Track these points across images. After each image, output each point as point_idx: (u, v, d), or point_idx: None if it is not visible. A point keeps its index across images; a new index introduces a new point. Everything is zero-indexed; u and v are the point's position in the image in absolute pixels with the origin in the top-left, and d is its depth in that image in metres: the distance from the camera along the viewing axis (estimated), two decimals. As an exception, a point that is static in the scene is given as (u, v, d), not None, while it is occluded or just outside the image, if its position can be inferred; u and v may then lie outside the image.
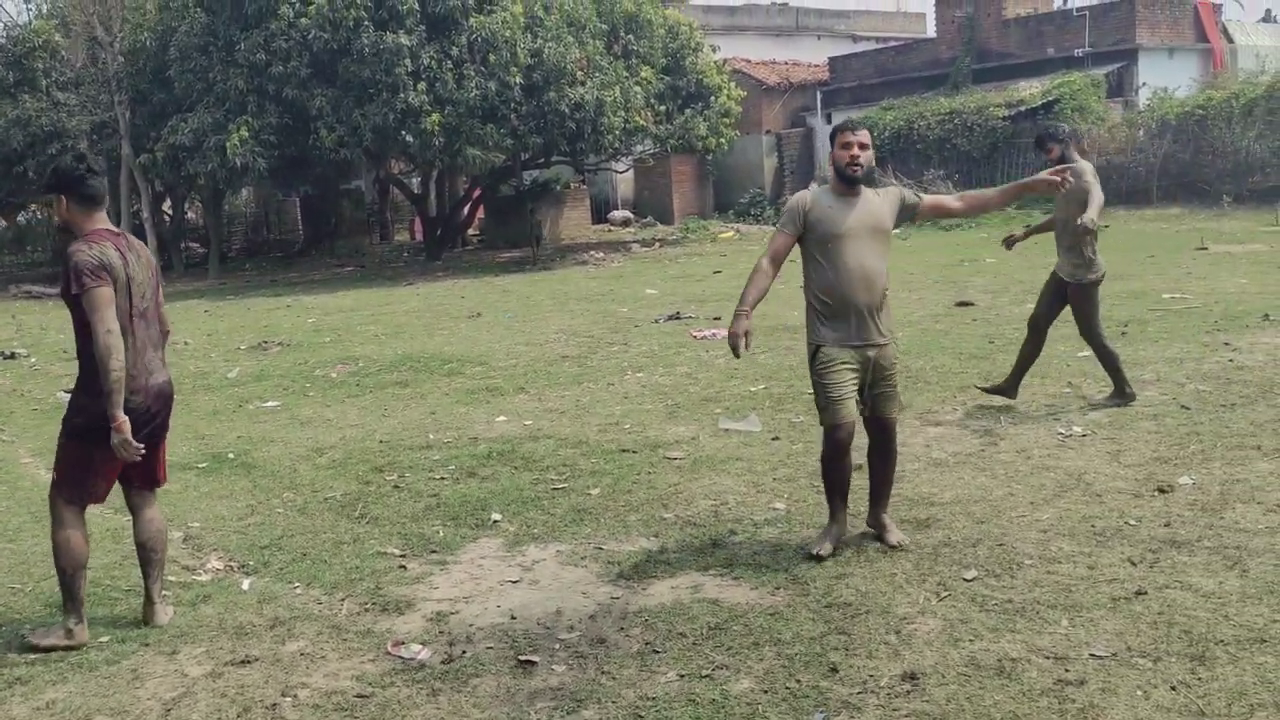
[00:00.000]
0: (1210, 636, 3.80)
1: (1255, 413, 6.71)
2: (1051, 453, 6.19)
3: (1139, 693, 3.47)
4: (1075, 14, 28.19)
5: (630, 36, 23.50)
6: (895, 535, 4.91)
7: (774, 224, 27.36)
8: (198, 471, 7.12)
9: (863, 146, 4.76)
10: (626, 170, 30.62)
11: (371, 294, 19.30)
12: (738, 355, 4.83)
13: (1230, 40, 29.35)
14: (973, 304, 12.18)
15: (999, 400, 7.40)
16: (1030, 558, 4.64)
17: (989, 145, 26.14)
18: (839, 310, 4.78)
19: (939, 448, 6.47)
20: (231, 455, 7.50)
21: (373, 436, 7.80)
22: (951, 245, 19.79)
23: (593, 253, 24.32)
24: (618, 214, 31.78)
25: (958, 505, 5.38)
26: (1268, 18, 33.14)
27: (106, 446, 4.25)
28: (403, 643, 4.20)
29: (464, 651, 4.11)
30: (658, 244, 26.10)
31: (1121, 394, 7.16)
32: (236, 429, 8.40)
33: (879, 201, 4.87)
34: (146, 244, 4.77)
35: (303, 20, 20.43)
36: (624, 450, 6.91)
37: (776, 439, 6.94)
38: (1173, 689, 3.48)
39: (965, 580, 4.45)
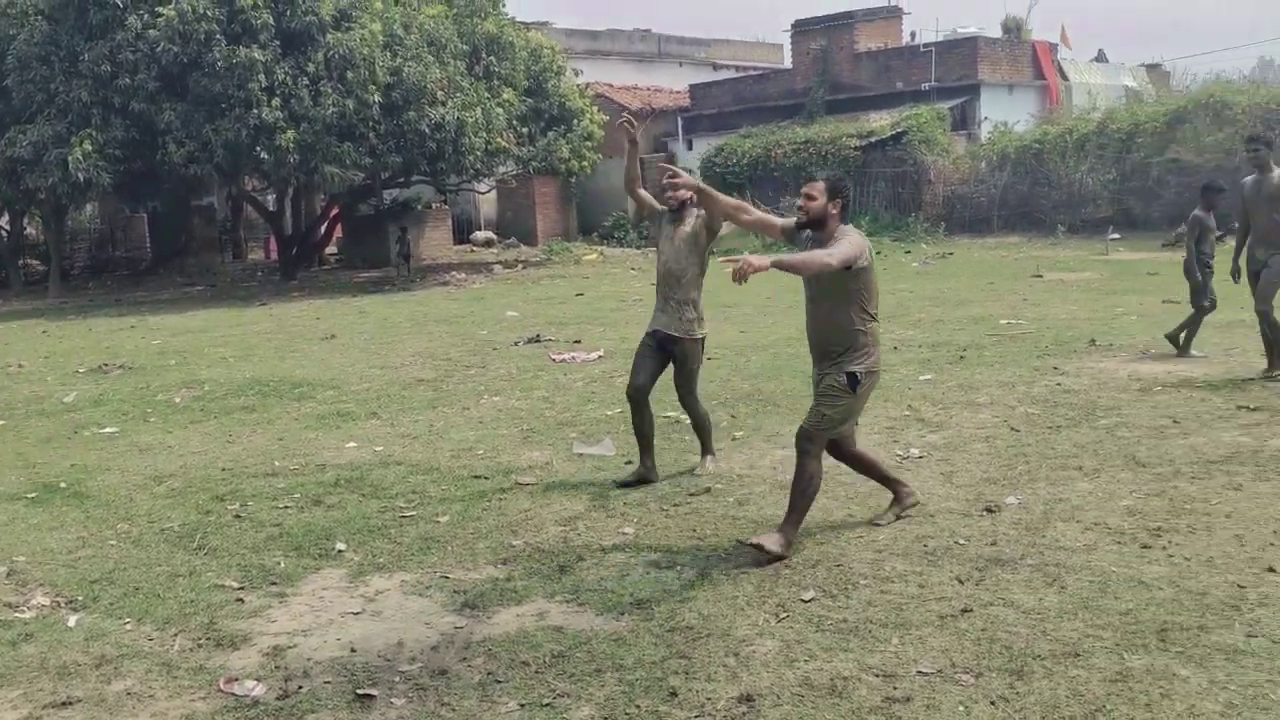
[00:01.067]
0: (1029, 652, 3.99)
1: (1078, 434, 7.09)
2: (890, 475, 6.40)
3: (961, 708, 3.62)
4: (922, 50, 29.44)
5: (492, 58, 23.47)
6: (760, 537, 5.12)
7: (637, 247, 27.30)
8: (26, 502, 6.80)
9: (808, 198, 5.14)
10: (489, 191, 30.53)
11: (222, 314, 18.73)
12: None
13: (1065, 78, 31.04)
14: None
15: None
16: (865, 577, 4.80)
17: (842, 174, 26.90)
18: None
19: (785, 471, 6.59)
20: (64, 484, 7.17)
21: (215, 464, 7.57)
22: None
23: (454, 273, 24.13)
24: (480, 235, 31.62)
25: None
26: (1100, 57, 35.15)
27: None
28: (236, 679, 4.09)
29: (300, 686, 4.02)
30: (520, 265, 26.06)
31: (710, 451, 6.81)
32: (70, 457, 8.04)
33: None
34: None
35: (151, 32, 19.80)
36: (476, 476, 6.87)
37: (630, 463, 6.99)
38: (992, 703, 3.64)
39: (803, 601, 4.57)
